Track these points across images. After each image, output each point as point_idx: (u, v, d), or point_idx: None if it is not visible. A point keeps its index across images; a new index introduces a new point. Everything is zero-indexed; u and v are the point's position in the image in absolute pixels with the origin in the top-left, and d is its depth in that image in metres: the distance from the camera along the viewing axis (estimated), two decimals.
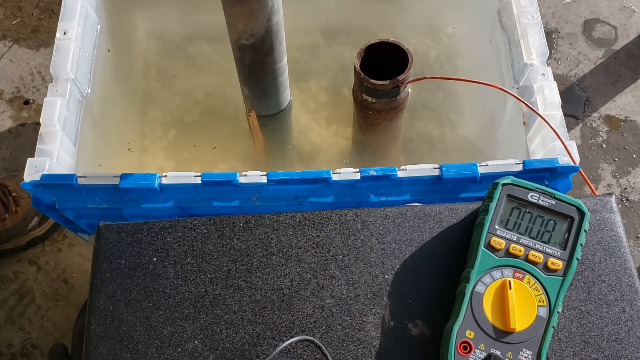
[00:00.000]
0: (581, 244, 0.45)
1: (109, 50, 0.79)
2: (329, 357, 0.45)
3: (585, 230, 0.46)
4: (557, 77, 1.27)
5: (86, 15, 0.74)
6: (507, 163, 0.59)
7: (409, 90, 0.69)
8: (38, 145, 0.63)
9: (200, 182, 0.59)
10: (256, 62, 0.66)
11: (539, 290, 0.44)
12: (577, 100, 1.31)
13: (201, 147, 0.85)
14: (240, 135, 0.84)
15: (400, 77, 0.63)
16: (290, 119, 0.84)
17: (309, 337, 0.45)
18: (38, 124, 0.65)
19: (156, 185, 0.59)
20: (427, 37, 0.90)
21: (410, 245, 0.50)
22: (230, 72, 0.77)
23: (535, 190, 0.47)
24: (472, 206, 0.51)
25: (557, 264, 0.45)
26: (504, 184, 0.47)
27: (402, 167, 0.59)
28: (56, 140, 0.63)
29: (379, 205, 0.59)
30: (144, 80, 0.89)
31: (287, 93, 0.77)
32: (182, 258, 0.50)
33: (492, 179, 0.54)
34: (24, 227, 1.12)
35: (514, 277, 0.45)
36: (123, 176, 0.59)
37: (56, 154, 0.63)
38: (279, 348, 0.44)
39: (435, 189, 0.60)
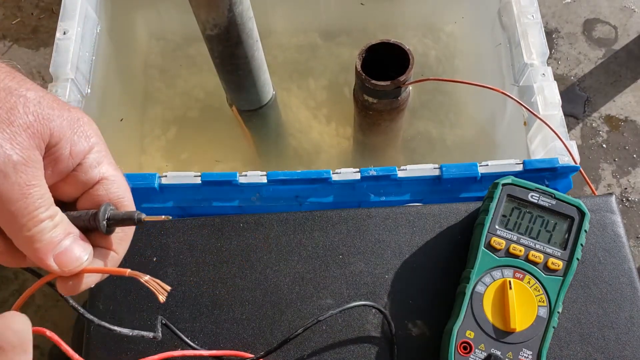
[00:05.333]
0: (581, 244, 0.45)
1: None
2: (392, 325, 0.46)
3: (585, 230, 0.46)
4: (557, 77, 1.27)
5: (86, 15, 0.74)
6: (507, 163, 0.59)
7: (410, 91, 0.69)
8: None
9: (200, 182, 0.59)
10: (225, 54, 0.66)
11: (539, 291, 0.44)
12: (577, 100, 1.31)
13: (201, 147, 0.85)
14: (240, 135, 0.84)
15: (402, 78, 0.63)
16: (275, 116, 0.84)
17: (374, 304, 0.46)
18: None
19: (156, 185, 0.59)
20: (426, 36, 0.90)
21: (410, 245, 0.50)
22: None
23: (535, 190, 0.47)
24: (472, 206, 0.51)
25: (557, 264, 0.45)
26: (504, 184, 0.47)
27: (402, 167, 0.59)
28: None
29: (379, 205, 0.59)
30: (144, 80, 0.89)
31: (268, 89, 0.77)
32: (181, 258, 0.50)
33: (492, 179, 0.54)
34: None
35: (514, 277, 0.45)
36: None
37: None
38: (340, 309, 0.45)
39: (435, 189, 0.60)
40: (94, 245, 0.32)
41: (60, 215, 0.30)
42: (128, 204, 0.33)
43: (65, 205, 0.33)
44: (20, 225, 0.28)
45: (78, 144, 0.30)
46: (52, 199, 0.29)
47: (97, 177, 0.32)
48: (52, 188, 0.30)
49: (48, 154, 0.29)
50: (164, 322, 0.44)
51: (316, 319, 0.44)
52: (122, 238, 0.33)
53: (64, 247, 0.30)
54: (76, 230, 0.31)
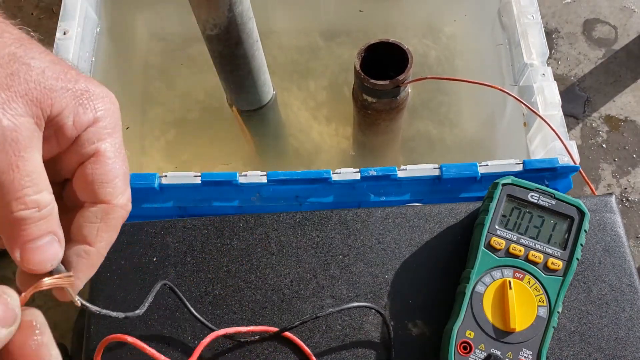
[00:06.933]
0: (581, 244, 0.45)
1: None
2: (391, 328, 0.46)
3: (585, 230, 0.46)
4: (557, 77, 1.27)
5: (86, 15, 0.74)
6: (507, 163, 0.59)
7: (409, 91, 0.69)
8: None
9: (200, 182, 0.59)
10: (225, 54, 0.66)
11: (539, 290, 0.44)
12: (577, 100, 1.31)
13: (201, 148, 0.85)
14: (240, 135, 0.84)
15: (401, 77, 0.63)
16: (275, 116, 0.84)
17: (374, 306, 0.46)
18: None
19: (156, 186, 0.59)
20: (426, 37, 0.90)
21: (410, 245, 0.50)
22: None
23: (535, 190, 0.47)
24: (472, 206, 0.51)
25: (557, 264, 0.45)
26: (504, 184, 0.47)
27: (402, 167, 0.59)
28: None
29: (379, 205, 0.59)
30: (144, 80, 0.89)
31: (268, 89, 0.77)
32: (182, 258, 0.50)
33: (492, 179, 0.54)
34: None
35: (514, 277, 0.45)
36: None
37: None
38: (339, 308, 0.45)
39: (435, 189, 0.60)
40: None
41: (51, 207, 0.26)
42: (111, 191, 0.28)
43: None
44: (6, 202, 0.25)
45: (82, 115, 0.27)
46: (46, 181, 0.26)
47: (91, 152, 0.28)
48: (55, 160, 0.28)
49: (51, 124, 0.27)
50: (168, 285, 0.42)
51: (315, 315, 0.45)
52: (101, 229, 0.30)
53: (38, 245, 0.26)
54: (60, 232, 0.27)
